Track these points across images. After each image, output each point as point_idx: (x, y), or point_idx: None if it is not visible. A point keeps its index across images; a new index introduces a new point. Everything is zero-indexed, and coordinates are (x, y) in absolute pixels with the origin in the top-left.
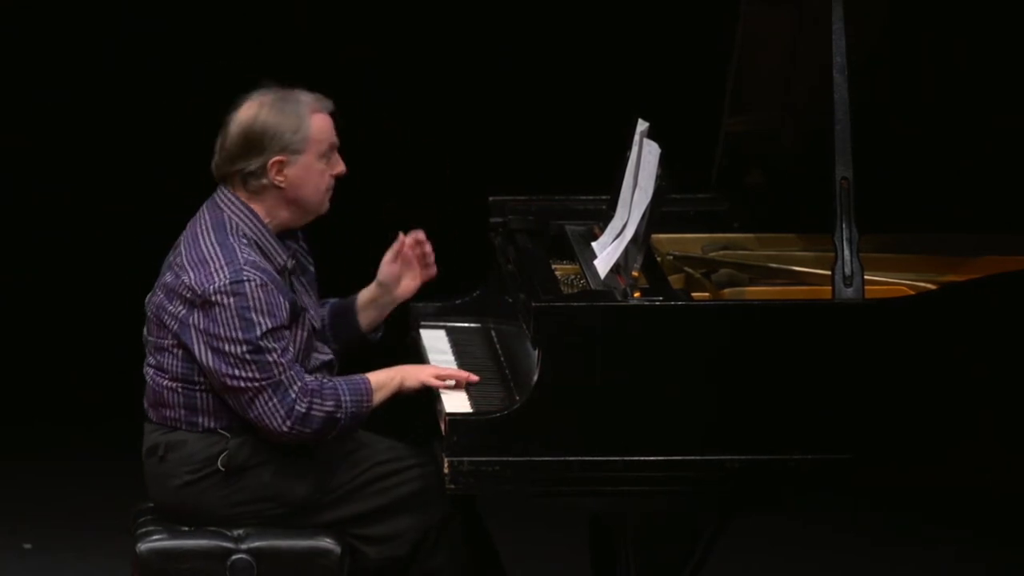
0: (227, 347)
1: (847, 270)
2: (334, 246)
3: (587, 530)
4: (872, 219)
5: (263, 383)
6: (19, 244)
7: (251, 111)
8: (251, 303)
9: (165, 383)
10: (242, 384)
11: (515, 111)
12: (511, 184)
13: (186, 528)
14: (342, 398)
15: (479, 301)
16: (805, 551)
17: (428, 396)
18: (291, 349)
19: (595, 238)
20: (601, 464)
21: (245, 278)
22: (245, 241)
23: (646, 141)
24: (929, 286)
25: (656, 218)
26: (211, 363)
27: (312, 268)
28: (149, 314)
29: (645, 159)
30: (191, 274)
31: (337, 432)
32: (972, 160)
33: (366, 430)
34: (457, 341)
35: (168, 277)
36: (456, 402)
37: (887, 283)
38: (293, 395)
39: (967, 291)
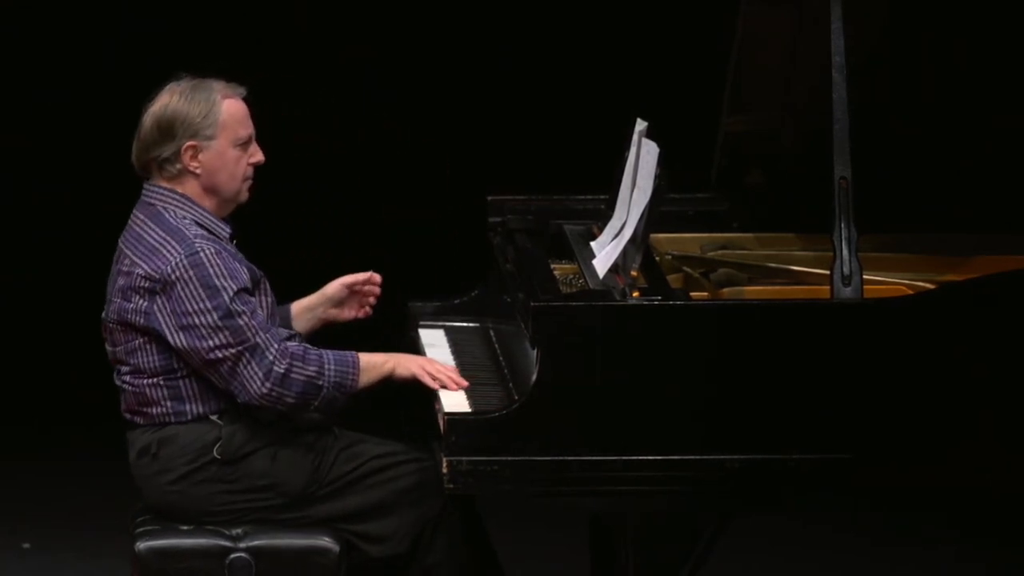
0: (198, 319)
1: (846, 270)
2: (333, 246)
3: (587, 530)
4: (871, 219)
5: (239, 348)
6: (19, 244)
7: (163, 100)
8: (211, 270)
9: (145, 382)
10: (219, 355)
11: (515, 111)
12: (510, 184)
13: (185, 527)
14: (326, 366)
15: (478, 301)
16: (805, 551)
17: (422, 394)
18: (260, 312)
19: (594, 238)
20: (600, 464)
21: (199, 248)
22: (187, 221)
23: (644, 140)
24: (928, 286)
25: (655, 218)
26: (184, 342)
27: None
28: (110, 325)
29: (644, 159)
30: (145, 266)
31: (320, 402)
32: (972, 160)
33: (358, 430)
34: (456, 341)
35: (120, 281)
36: (455, 402)
37: (886, 283)
38: (271, 357)
39: (966, 291)
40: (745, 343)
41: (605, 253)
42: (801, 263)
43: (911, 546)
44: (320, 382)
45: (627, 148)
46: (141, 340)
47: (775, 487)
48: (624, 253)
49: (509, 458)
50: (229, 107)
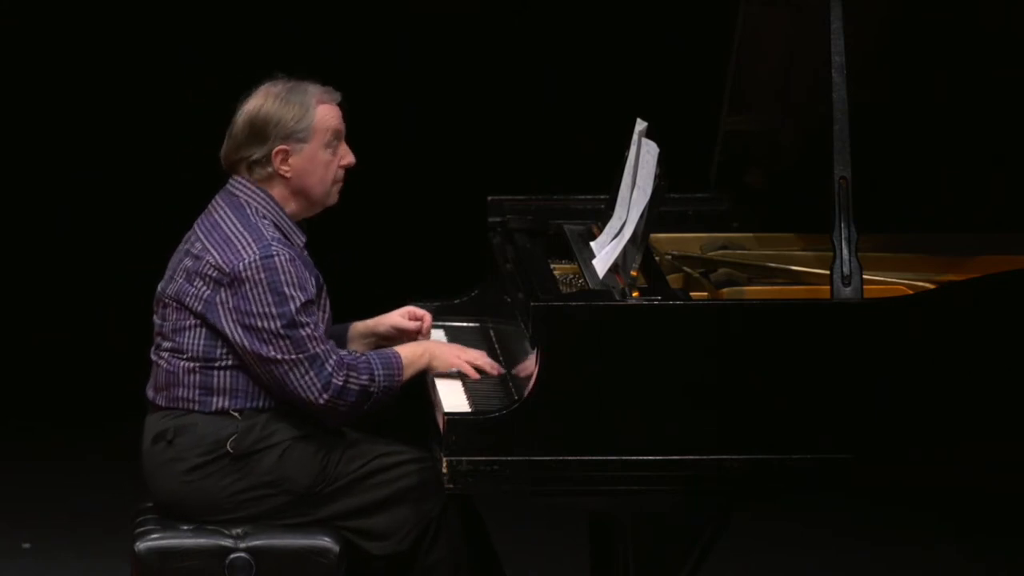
0: (260, 323)
1: (845, 269)
2: (333, 246)
3: (587, 530)
4: (871, 219)
5: (298, 357)
6: (20, 244)
7: (258, 101)
8: (283, 277)
9: (182, 363)
10: (277, 358)
11: (515, 111)
12: (510, 184)
13: (186, 527)
14: (375, 372)
15: (478, 301)
16: (805, 551)
17: (421, 394)
18: (321, 325)
19: (594, 238)
20: (599, 464)
21: (275, 252)
22: (266, 222)
23: (644, 140)
24: (928, 286)
25: (655, 217)
26: (243, 340)
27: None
28: (166, 300)
29: (643, 158)
30: (216, 255)
31: (370, 406)
32: (972, 160)
33: (359, 429)
34: (456, 341)
35: (188, 262)
36: (455, 402)
37: (886, 283)
38: (329, 368)
39: (966, 291)
40: (745, 343)
41: (605, 253)
42: (801, 263)
43: (911, 546)
44: (372, 389)
45: (627, 148)
46: (192, 322)
47: (775, 487)
48: (624, 253)
49: (509, 458)
50: (322, 111)
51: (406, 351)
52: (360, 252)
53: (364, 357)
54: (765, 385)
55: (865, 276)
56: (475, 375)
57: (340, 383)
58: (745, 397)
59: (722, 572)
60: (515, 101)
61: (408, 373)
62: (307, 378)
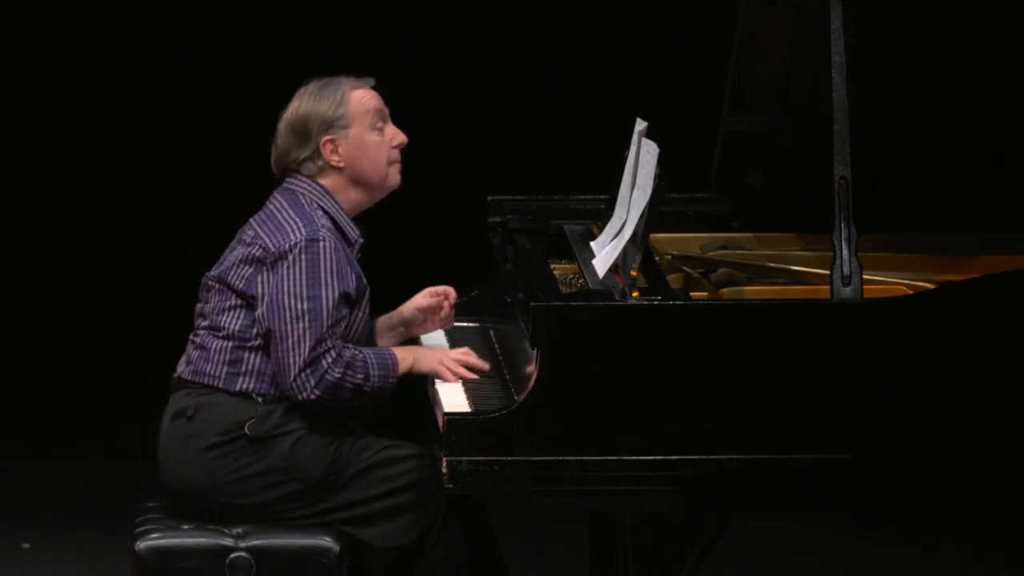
0: (287, 300)
1: (845, 269)
2: None
3: (587, 530)
4: (871, 219)
5: (306, 345)
6: (19, 244)
7: (293, 105)
8: (323, 263)
9: (217, 341)
10: (286, 337)
11: (515, 111)
12: (510, 184)
13: (186, 526)
14: (371, 372)
15: (478, 300)
16: (805, 551)
17: (421, 393)
18: (342, 325)
19: (594, 238)
20: (599, 464)
21: (321, 237)
22: (321, 213)
23: (644, 140)
24: (927, 286)
25: (655, 217)
26: (264, 311)
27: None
28: (210, 283)
29: (643, 158)
30: (267, 239)
31: (361, 404)
32: (972, 160)
33: (366, 424)
34: (456, 340)
35: (239, 250)
36: (455, 401)
37: (885, 283)
38: (325, 364)
39: (966, 291)
40: (745, 343)
41: (605, 253)
42: (801, 263)
43: (911, 546)
44: (366, 387)
45: (627, 148)
46: (234, 303)
47: (775, 487)
48: (624, 253)
49: (509, 458)
50: (358, 95)
51: (399, 353)
52: (360, 252)
53: (363, 356)
54: (765, 385)
55: (865, 276)
56: (453, 379)
57: (333, 379)
58: (745, 397)
59: (722, 572)
60: (515, 101)
61: (400, 372)
62: (306, 372)
